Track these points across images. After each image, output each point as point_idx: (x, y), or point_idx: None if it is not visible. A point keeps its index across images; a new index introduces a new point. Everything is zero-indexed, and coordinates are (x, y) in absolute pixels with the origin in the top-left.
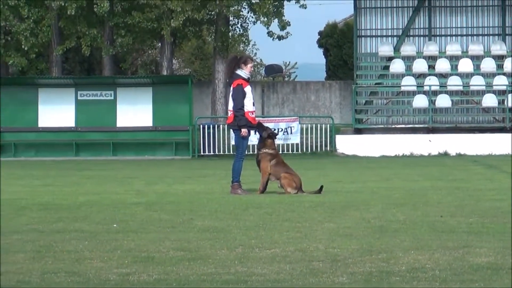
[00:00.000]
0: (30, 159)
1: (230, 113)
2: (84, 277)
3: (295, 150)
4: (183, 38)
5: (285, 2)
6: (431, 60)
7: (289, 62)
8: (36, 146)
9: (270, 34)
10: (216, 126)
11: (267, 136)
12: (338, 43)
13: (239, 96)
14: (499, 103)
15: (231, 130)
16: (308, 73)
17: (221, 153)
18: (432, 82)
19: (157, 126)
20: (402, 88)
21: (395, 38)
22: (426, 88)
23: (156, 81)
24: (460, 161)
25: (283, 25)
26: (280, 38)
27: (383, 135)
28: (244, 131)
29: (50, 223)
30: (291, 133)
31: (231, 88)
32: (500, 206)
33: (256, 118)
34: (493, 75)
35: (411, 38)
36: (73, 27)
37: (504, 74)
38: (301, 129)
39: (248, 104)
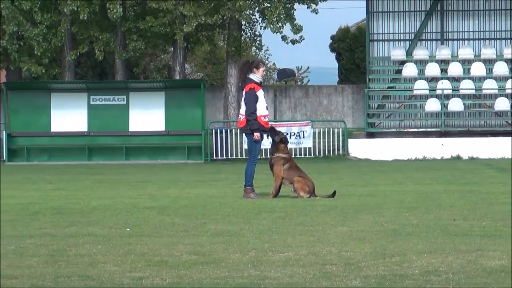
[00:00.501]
0: (43, 164)
1: (242, 118)
2: (97, 281)
3: (307, 154)
4: (195, 43)
5: (297, 6)
6: (444, 64)
7: (302, 66)
8: (49, 150)
9: (284, 38)
10: (228, 130)
11: (280, 140)
12: (351, 47)
13: (252, 100)
14: (511, 106)
15: (244, 134)
16: (320, 77)
17: (234, 157)
18: (444, 86)
19: (169, 130)
20: (415, 92)
21: (407, 42)
22: (438, 92)
23: (169, 85)
24: (473, 164)
25: (297, 29)
26: (294, 42)
27: (395, 139)
28: (256, 135)
29: (63, 227)
30: (303, 137)
31: (244, 92)
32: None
33: (269, 122)
34: (505, 78)
35: (424, 42)
36: (85, 32)
37: None
38: (314, 133)
39: (261, 108)
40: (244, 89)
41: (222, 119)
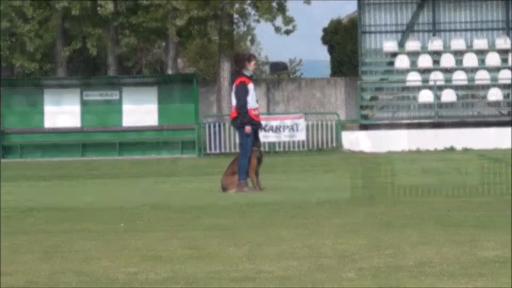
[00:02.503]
0: (37, 160)
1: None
2: (92, 277)
3: (301, 147)
4: (187, 37)
5: None
6: (436, 55)
7: (294, 59)
8: (43, 147)
9: (277, 29)
10: (222, 124)
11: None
12: (343, 40)
13: (242, 94)
14: (504, 97)
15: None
16: (313, 70)
17: (227, 151)
18: (437, 77)
19: (163, 125)
20: (407, 84)
21: (399, 34)
22: (431, 83)
23: (161, 80)
24: (466, 155)
25: (288, 21)
26: (288, 32)
27: (388, 130)
28: (247, 128)
29: (57, 223)
30: (296, 130)
31: (234, 85)
32: (507, 200)
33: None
34: (497, 69)
35: (416, 33)
36: (78, 28)
37: (509, 68)
38: (307, 126)
39: (251, 102)
40: (235, 82)
41: (215, 113)
